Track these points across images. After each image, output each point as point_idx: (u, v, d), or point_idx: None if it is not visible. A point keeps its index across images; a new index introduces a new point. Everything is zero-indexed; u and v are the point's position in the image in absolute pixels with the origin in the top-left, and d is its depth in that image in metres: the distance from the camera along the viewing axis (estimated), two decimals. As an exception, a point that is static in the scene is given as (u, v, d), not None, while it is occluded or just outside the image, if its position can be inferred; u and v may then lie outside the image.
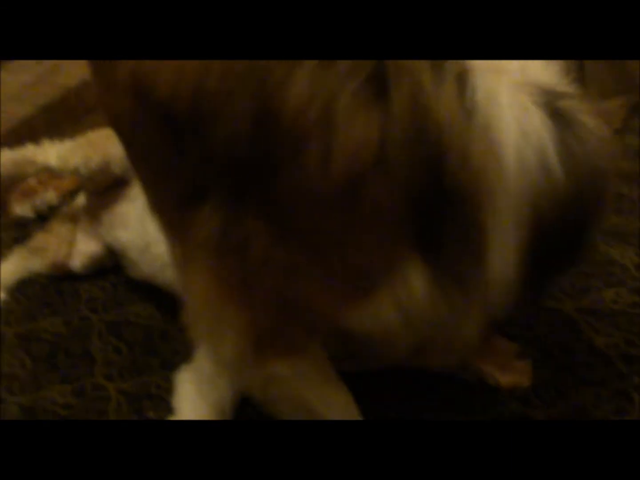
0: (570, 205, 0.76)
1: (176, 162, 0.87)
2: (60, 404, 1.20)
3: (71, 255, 1.46)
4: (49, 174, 1.50)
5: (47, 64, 2.08)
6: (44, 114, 1.88)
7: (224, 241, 0.82)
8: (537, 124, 0.73)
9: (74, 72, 2.00)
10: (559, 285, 1.26)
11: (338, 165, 0.72)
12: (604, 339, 1.21)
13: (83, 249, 1.45)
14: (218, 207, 0.82)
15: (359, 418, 0.98)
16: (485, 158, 0.72)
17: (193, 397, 1.10)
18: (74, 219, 1.51)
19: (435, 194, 0.73)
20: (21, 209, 1.65)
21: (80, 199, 1.54)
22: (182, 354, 1.21)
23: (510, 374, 1.13)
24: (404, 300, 0.82)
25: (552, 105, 0.75)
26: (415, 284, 0.80)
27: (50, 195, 1.66)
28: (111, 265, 1.47)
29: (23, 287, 1.48)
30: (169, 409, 1.13)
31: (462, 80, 0.72)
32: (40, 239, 1.51)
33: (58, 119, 1.90)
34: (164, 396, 1.18)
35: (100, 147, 1.38)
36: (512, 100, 0.73)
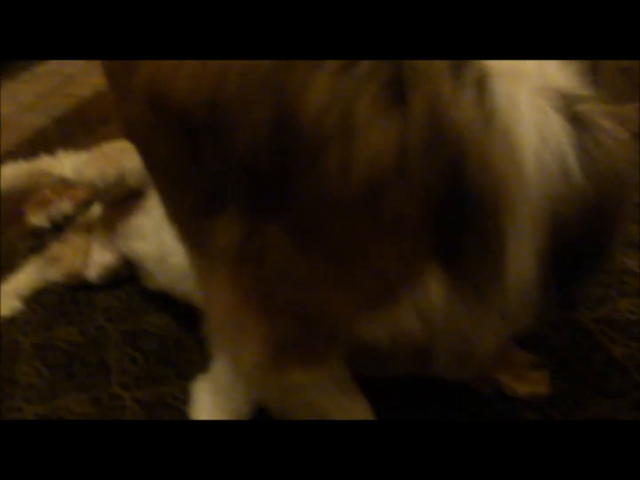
0: (590, 211, 0.75)
1: (194, 170, 0.87)
2: (76, 413, 1.20)
3: (87, 266, 1.47)
4: (64, 184, 1.51)
5: (61, 74, 2.09)
6: (58, 125, 1.88)
7: (244, 250, 0.82)
8: (556, 128, 0.73)
9: (88, 82, 2.01)
10: (580, 295, 1.25)
11: (358, 172, 0.72)
12: (621, 349, 1.20)
13: (98, 259, 1.46)
14: (237, 216, 0.82)
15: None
16: (504, 163, 0.72)
17: (209, 407, 1.10)
18: (89, 229, 1.51)
19: (455, 200, 0.73)
20: (37, 218, 1.66)
21: (95, 209, 1.55)
22: (198, 364, 1.22)
23: (528, 384, 1.13)
24: (423, 308, 0.81)
25: (570, 109, 0.74)
26: (434, 292, 0.79)
27: (65, 205, 1.67)
28: (127, 275, 1.47)
29: (39, 296, 1.49)
30: (185, 419, 1.13)
31: (481, 85, 0.72)
32: (56, 249, 1.51)
33: (72, 129, 1.90)
34: (180, 406, 1.18)
35: (115, 159, 1.39)
36: (531, 105, 0.73)
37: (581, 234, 0.77)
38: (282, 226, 0.79)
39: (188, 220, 0.93)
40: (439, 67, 0.71)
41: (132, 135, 1.03)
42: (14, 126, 1.85)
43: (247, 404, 1.08)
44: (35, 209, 1.66)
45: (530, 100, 0.73)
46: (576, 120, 0.74)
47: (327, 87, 0.72)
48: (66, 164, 1.44)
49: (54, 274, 1.49)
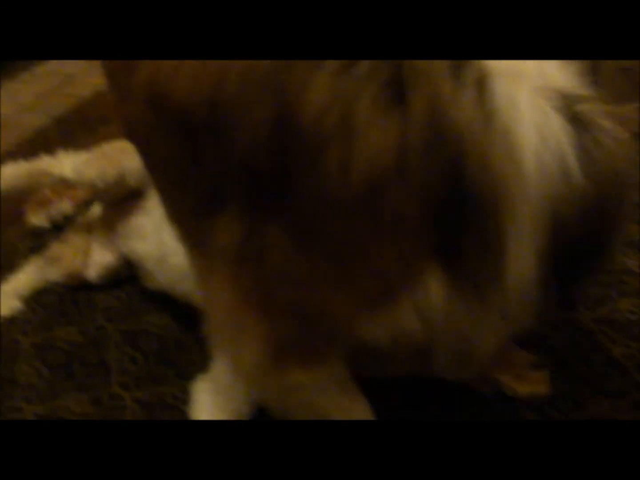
0: (590, 211, 0.75)
1: (194, 170, 0.87)
2: (76, 413, 1.20)
3: (87, 266, 1.46)
4: (64, 184, 1.51)
5: (61, 74, 2.10)
6: (58, 125, 1.88)
7: (244, 250, 0.82)
8: (556, 128, 0.73)
9: (88, 82, 2.01)
10: (580, 295, 1.25)
11: (358, 172, 0.72)
12: (621, 349, 1.20)
13: (98, 259, 1.46)
14: (237, 216, 0.82)
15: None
16: (504, 163, 0.72)
17: (209, 407, 1.10)
18: (89, 229, 1.51)
19: (455, 200, 0.73)
20: (36, 218, 1.66)
21: (95, 209, 1.55)
22: (197, 364, 1.22)
23: (528, 384, 1.13)
24: (423, 308, 0.81)
25: (570, 109, 0.74)
26: (434, 292, 0.79)
27: (65, 205, 1.67)
28: (126, 275, 1.47)
29: (39, 296, 1.49)
30: (185, 419, 1.13)
31: (481, 85, 0.72)
32: (55, 249, 1.51)
33: (72, 129, 1.90)
34: (180, 406, 1.18)
35: (115, 159, 1.39)
36: (531, 105, 0.73)
37: (581, 233, 0.77)
38: (282, 226, 0.79)
39: (188, 220, 0.93)
40: (439, 67, 0.71)
41: (132, 135, 1.03)
42: (14, 126, 1.85)
43: (247, 404, 1.08)
44: (35, 209, 1.66)
45: (530, 100, 0.73)
46: (576, 120, 0.74)
47: (327, 87, 0.72)
48: (66, 164, 1.44)
49: (54, 274, 1.49)
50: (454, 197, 0.72)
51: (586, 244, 0.79)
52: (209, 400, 1.10)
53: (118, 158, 1.38)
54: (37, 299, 1.48)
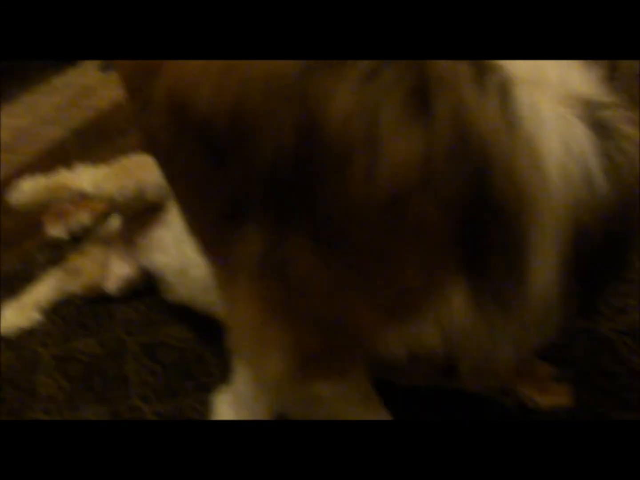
0: (613, 218, 0.74)
1: (215, 181, 0.86)
2: (96, 426, 1.20)
3: (105, 278, 1.47)
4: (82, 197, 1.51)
5: (79, 86, 2.11)
6: (76, 137, 1.90)
7: (268, 261, 0.81)
8: (579, 136, 0.72)
9: (106, 94, 2.02)
10: (599, 304, 1.24)
11: (383, 181, 0.71)
12: (642, 360, 1.19)
13: (117, 272, 1.46)
14: (260, 227, 0.81)
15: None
16: (528, 172, 0.71)
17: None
18: (107, 241, 1.52)
19: (479, 210, 0.72)
20: (55, 230, 1.66)
21: (114, 221, 1.55)
22: (217, 376, 1.22)
23: (549, 396, 1.12)
24: (445, 320, 0.81)
25: (593, 116, 0.73)
26: (457, 303, 0.78)
27: (83, 217, 1.67)
28: (145, 287, 1.47)
29: (58, 308, 1.49)
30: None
31: (504, 93, 0.71)
32: (74, 261, 1.52)
33: (90, 141, 1.91)
34: (199, 419, 1.17)
35: (135, 174, 1.39)
36: (554, 113, 0.72)
37: (603, 241, 0.76)
38: (306, 236, 0.78)
39: (210, 232, 0.93)
40: (463, 75, 0.71)
41: (151, 146, 1.03)
42: (33, 138, 1.87)
43: (268, 416, 1.08)
44: (53, 220, 1.67)
45: (553, 108, 0.73)
46: (599, 127, 0.73)
47: (351, 96, 0.71)
48: (85, 178, 1.44)
49: (73, 285, 1.49)
50: (478, 206, 0.72)
51: (608, 252, 0.78)
52: (229, 413, 1.10)
53: (137, 172, 1.38)
54: (56, 310, 1.49)
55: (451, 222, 0.73)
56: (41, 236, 1.68)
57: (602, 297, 0.89)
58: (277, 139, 0.76)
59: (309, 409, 0.93)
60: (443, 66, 0.71)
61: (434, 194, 0.72)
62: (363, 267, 0.78)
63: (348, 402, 0.95)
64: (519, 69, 0.74)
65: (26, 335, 1.43)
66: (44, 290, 1.51)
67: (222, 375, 1.15)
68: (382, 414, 0.98)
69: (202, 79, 0.81)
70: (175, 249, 1.33)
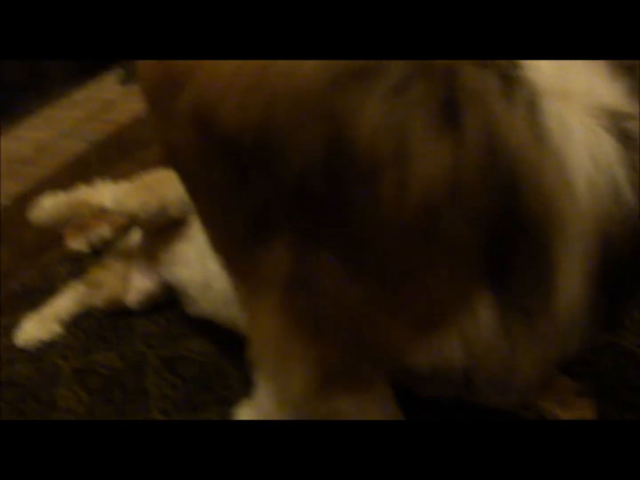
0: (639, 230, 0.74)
1: (240, 196, 0.86)
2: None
3: (126, 291, 1.47)
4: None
5: (99, 100, 2.12)
6: (96, 150, 1.91)
7: (293, 276, 0.81)
8: (607, 148, 0.72)
9: (126, 108, 2.03)
10: (624, 318, 1.23)
11: (413, 196, 0.71)
12: (667, 375, 1.18)
13: (138, 285, 1.46)
14: (286, 242, 0.81)
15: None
16: (556, 185, 0.71)
17: (251, 434, 1.10)
18: (128, 254, 1.52)
19: (508, 224, 0.72)
20: (76, 243, 1.68)
21: (134, 234, 1.56)
22: (238, 390, 1.21)
23: (572, 410, 1.11)
24: (471, 334, 0.80)
25: (620, 127, 0.73)
26: (483, 318, 0.78)
27: (104, 230, 1.68)
28: (166, 301, 1.48)
29: (79, 321, 1.50)
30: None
31: (532, 106, 0.71)
32: (95, 274, 1.52)
33: (111, 154, 1.92)
34: (219, 432, 1.17)
35: (156, 190, 1.39)
36: (581, 125, 0.72)
37: (630, 254, 0.75)
38: (334, 251, 0.78)
39: (233, 247, 0.92)
40: (492, 89, 0.71)
41: (174, 161, 1.03)
42: (53, 151, 1.88)
43: (289, 431, 1.07)
44: (75, 233, 1.68)
45: (580, 119, 0.72)
46: (626, 138, 0.73)
47: (380, 110, 0.71)
48: (106, 194, 1.44)
49: (94, 298, 1.50)
50: (506, 220, 0.71)
51: (634, 265, 0.77)
52: (251, 427, 1.09)
53: (159, 188, 1.38)
54: (76, 323, 1.49)
55: (480, 236, 0.73)
56: (62, 249, 1.69)
57: (627, 310, 0.88)
58: (305, 154, 0.75)
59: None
60: (472, 79, 0.71)
61: (463, 208, 0.71)
62: (391, 282, 0.78)
63: (370, 415, 0.94)
64: (545, 80, 0.73)
65: (46, 348, 1.43)
66: (65, 303, 1.51)
67: (242, 388, 1.15)
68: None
69: (229, 93, 0.81)
70: (197, 263, 1.33)
